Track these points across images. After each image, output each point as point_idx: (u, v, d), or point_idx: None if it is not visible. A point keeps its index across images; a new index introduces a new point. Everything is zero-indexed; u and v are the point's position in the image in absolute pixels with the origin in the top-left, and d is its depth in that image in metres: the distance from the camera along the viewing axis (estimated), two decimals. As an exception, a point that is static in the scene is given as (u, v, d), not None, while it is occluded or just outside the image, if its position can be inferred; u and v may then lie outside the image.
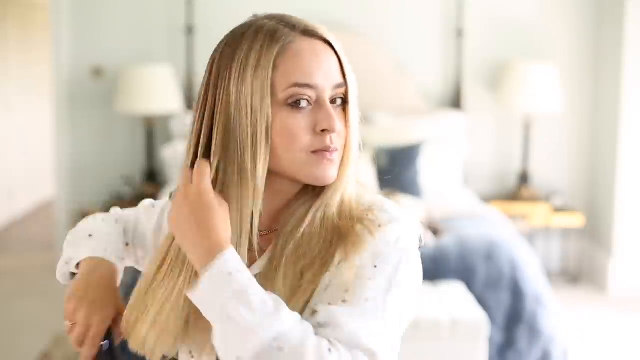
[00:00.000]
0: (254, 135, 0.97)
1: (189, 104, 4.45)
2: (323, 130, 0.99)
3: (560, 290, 4.28)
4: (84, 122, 4.59)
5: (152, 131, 4.44)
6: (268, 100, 0.97)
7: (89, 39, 4.56)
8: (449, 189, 4.23)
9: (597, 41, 4.58)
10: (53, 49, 4.57)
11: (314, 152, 0.99)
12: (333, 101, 1.01)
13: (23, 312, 4.01)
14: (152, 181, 4.43)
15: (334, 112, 1.00)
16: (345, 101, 1.02)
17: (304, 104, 0.98)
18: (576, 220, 4.37)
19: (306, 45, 0.99)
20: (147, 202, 1.22)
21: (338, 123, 0.99)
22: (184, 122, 4.31)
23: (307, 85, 0.98)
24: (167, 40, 4.53)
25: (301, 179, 1.01)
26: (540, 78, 4.28)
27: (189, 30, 4.45)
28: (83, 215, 4.46)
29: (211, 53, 1.03)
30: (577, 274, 4.63)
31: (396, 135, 4.19)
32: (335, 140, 1.00)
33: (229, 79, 0.98)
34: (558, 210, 4.40)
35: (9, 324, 3.84)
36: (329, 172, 1.00)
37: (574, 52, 4.61)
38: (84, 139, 4.61)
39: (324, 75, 0.99)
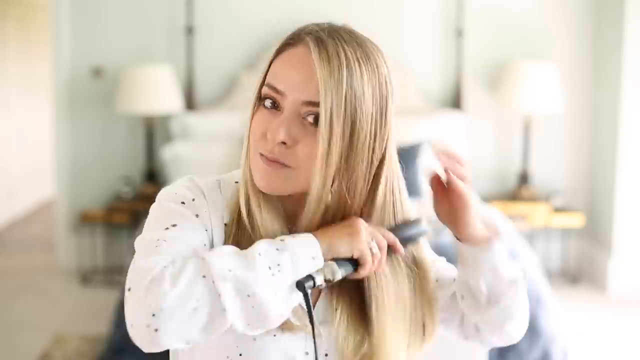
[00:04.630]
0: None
1: (189, 104, 4.45)
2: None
3: (560, 290, 4.28)
4: (84, 122, 4.59)
5: (152, 131, 4.44)
6: (260, 87, 1.00)
7: (89, 39, 4.56)
8: (449, 189, 4.22)
9: (597, 41, 4.58)
10: (53, 49, 4.57)
11: (261, 154, 0.98)
12: (305, 117, 0.96)
13: (23, 312, 4.01)
14: (152, 181, 4.43)
15: (292, 124, 0.95)
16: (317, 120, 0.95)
17: (268, 104, 0.98)
18: (576, 220, 4.37)
19: (300, 52, 0.97)
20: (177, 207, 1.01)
21: (284, 134, 0.95)
22: (184, 122, 4.31)
23: (275, 89, 0.97)
24: (167, 40, 4.53)
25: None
26: (540, 78, 4.28)
27: (189, 30, 4.45)
28: (83, 215, 4.47)
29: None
30: (577, 274, 4.63)
31: (396, 135, 4.18)
32: (279, 152, 0.96)
33: None
34: (558, 210, 4.40)
35: (9, 324, 3.84)
36: (263, 179, 0.97)
37: (574, 52, 4.61)
38: (84, 139, 4.61)
39: (296, 87, 0.96)
